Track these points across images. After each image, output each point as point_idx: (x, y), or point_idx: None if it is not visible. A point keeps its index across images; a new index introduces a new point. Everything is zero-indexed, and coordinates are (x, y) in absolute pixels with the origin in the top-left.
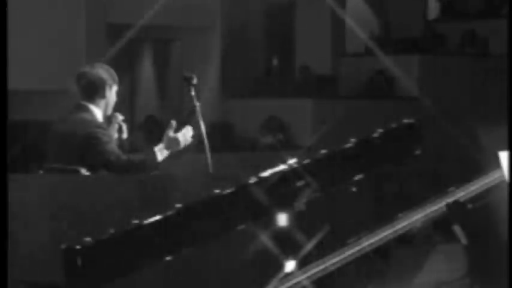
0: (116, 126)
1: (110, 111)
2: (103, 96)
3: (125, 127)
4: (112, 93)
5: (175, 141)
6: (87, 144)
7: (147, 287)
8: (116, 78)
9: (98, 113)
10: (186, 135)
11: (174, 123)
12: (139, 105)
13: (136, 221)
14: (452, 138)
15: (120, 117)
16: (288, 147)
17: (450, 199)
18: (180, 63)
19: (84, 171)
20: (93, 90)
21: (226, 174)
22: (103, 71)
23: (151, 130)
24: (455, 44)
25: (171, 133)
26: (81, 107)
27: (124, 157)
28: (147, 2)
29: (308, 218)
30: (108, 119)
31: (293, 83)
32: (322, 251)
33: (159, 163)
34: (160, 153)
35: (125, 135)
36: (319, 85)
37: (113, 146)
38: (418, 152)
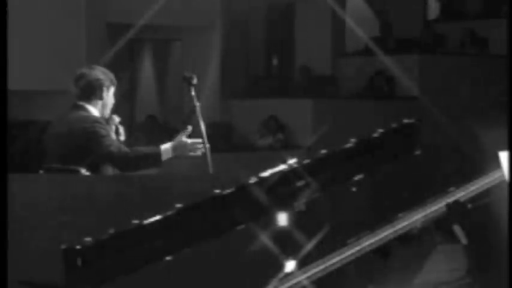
0: (113, 128)
1: (107, 112)
2: (100, 97)
3: (122, 129)
4: (109, 95)
5: (185, 146)
6: (86, 139)
7: (147, 287)
8: (114, 80)
9: (94, 112)
10: (195, 145)
11: (190, 128)
12: (140, 105)
13: (136, 221)
14: (452, 137)
15: (117, 119)
16: (288, 147)
17: (450, 199)
18: (180, 63)
19: (84, 171)
20: (91, 91)
21: (226, 174)
22: (100, 73)
23: (151, 130)
24: (455, 44)
25: (183, 137)
26: (78, 106)
27: (126, 149)
28: (147, 2)
29: (308, 218)
30: (106, 121)
31: (293, 83)
32: (322, 251)
33: (161, 162)
34: (166, 153)
35: (122, 138)
36: (319, 85)
37: (112, 139)
38: (418, 152)
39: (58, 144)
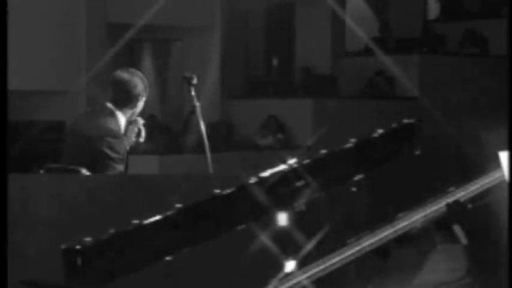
0: (136, 129)
1: (134, 118)
2: (134, 106)
3: (143, 132)
4: (141, 104)
5: None
6: (97, 151)
7: (147, 287)
8: (148, 88)
9: (122, 120)
10: None
11: None
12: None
13: (136, 221)
14: (452, 137)
15: (141, 121)
16: (288, 147)
17: (450, 199)
18: (180, 63)
19: (84, 171)
20: (127, 100)
21: (226, 174)
22: (139, 80)
23: (151, 130)
24: (455, 44)
25: None
26: (108, 111)
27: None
28: (147, 2)
29: (308, 218)
30: (130, 123)
31: (293, 83)
32: (322, 251)
33: None
34: None
35: (142, 139)
36: (319, 85)
37: (116, 166)
38: (418, 152)
39: (79, 145)
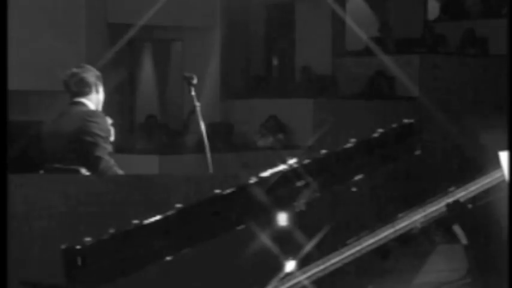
0: None
1: (100, 109)
2: (97, 90)
3: (112, 131)
4: (101, 92)
5: None
6: (86, 134)
7: (147, 287)
8: (101, 77)
9: (91, 105)
10: None
11: None
12: (139, 105)
13: (136, 221)
14: (452, 137)
15: (109, 121)
16: (288, 147)
17: (450, 199)
18: (180, 63)
19: (84, 171)
20: (87, 86)
21: (226, 174)
22: (90, 72)
23: (151, 130)
24: (455, 44)
25: None
26: (77, 103)
27: (111, 165)
28: (147, 2)
29: (308, 218)
30: None
31: (293, 83)
32: (322, 251)
33: None
34: None
35: (111, 138)
36: (319, 85)
37: (107, 146)
38: (418, 152)
39: (57, 140)
